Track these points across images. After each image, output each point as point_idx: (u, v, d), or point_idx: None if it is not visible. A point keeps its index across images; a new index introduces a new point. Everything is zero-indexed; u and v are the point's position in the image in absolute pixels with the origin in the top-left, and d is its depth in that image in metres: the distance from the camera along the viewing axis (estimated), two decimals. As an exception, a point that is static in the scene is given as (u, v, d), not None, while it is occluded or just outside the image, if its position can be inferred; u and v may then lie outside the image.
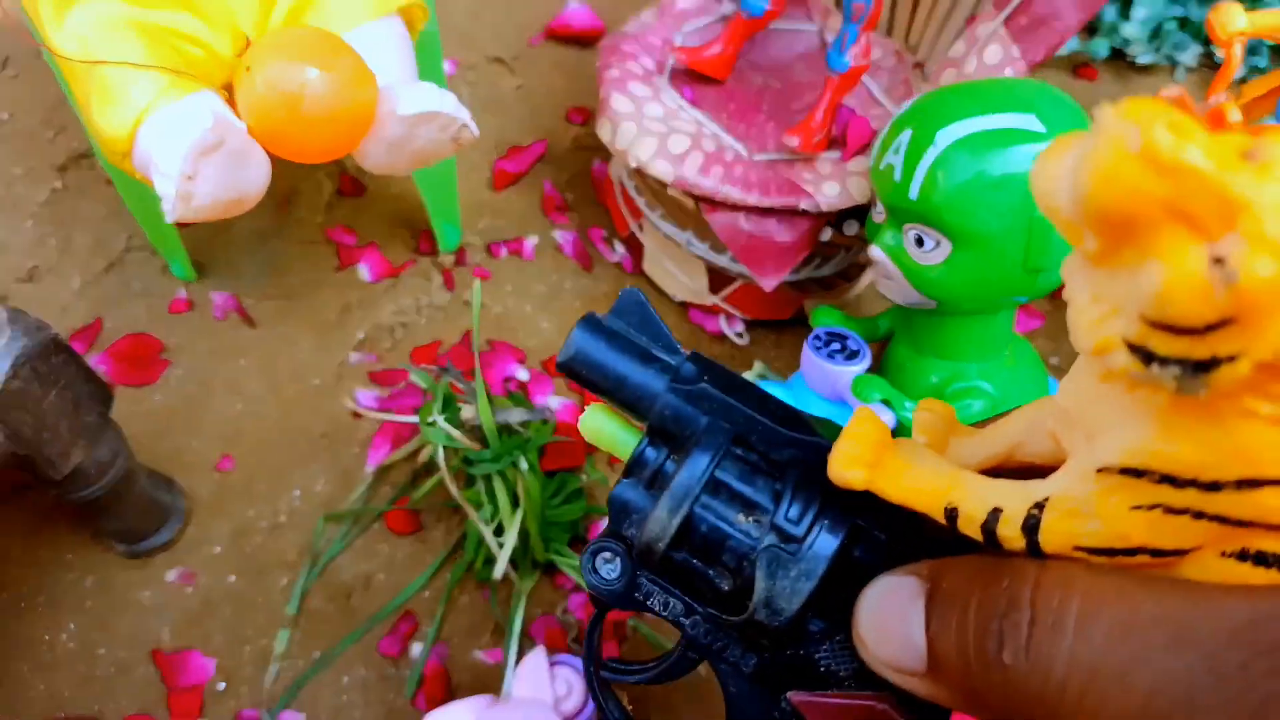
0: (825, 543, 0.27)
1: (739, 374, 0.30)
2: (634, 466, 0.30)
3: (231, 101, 0.60)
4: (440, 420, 0.60)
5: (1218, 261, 0.16)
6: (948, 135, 0.53)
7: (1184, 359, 0.17)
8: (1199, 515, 0.21)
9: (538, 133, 0.96)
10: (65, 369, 0.55)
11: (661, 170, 0.69)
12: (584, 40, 1.01)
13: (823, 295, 0.79)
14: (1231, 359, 0.17)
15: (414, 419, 0.69)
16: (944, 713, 0.26)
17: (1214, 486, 0.20)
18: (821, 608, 0.28)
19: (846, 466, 0.25)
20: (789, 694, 0.29)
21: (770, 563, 0.27)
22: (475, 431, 0.64)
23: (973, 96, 0.55)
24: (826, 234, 0.70)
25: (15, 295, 0.85)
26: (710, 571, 0.29)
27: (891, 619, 0.25)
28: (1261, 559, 0.21)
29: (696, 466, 0.28)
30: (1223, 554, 0.22)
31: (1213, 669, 0.19)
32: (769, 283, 0.69)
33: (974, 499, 0.24)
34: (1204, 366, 0.17)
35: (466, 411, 0.62)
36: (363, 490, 0.74)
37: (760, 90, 0.76)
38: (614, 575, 0.30)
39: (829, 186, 0.67)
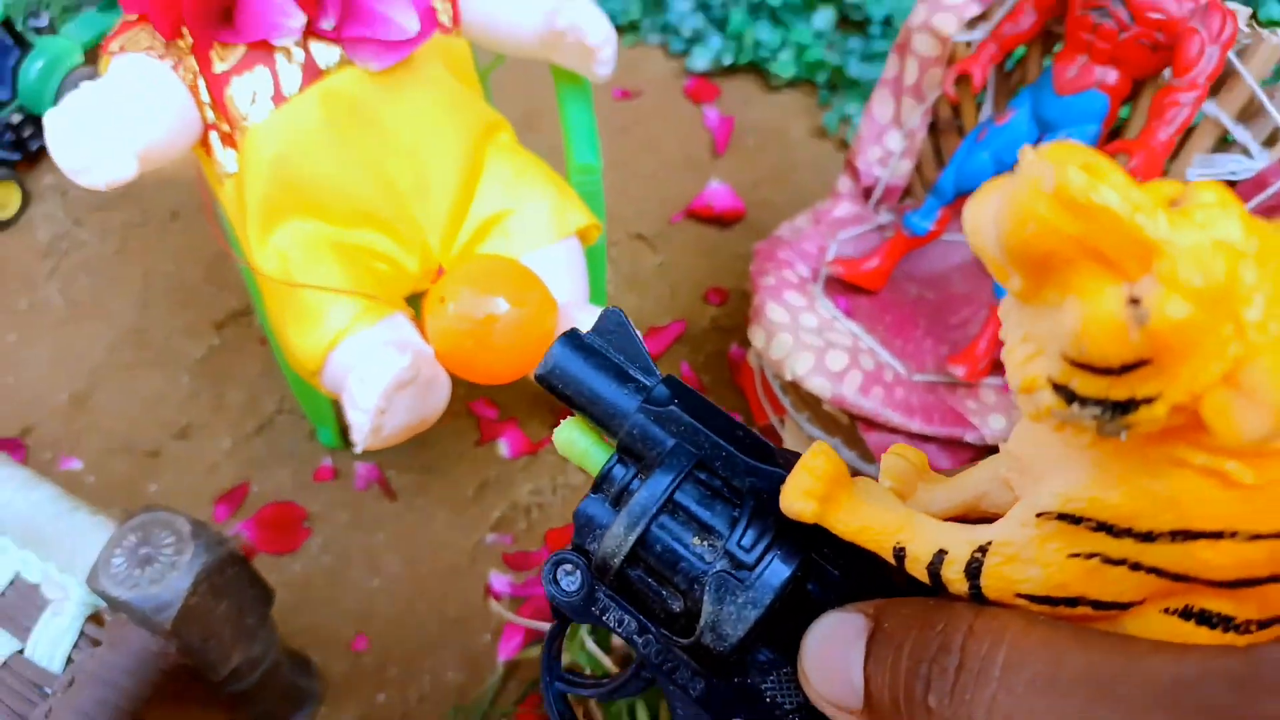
0: (775, 572, 0.27)
1: (712, 403, 0.30)
2: (601, 482, 0.30)
3: (415, 318, 0.61)
4: (589, 642, 0.60)
5: (1134, 302, 0.16)
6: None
7: (1103, 400, 0.17)
8: (1136, 567, 0.20)
9: (676, 312, 0.97)
10: (238, 579, 0.56)
11: (819, 387, 0.68)
12: (725, 221, 1.02)
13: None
14: (1149, 400, 0.17)
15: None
16: None
17: (1149, 537, 0.20)
18: (770, 638, 0.28)
19: (797, 499, 0.25)
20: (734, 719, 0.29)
21: (719, 587, 0.27)
22: (621, 653, 0.63)
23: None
24: (986, 461, 0.68)
25: (168, 451, 0.88)
26: (663, 591, 0.28)
27: (834, 656, 0.25)
28: (1205, 618, 0.21)
29: (656, 486, 0.28)
30: (1165, 610, 0.21)
31: None
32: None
33: (922, 540, 0.24)
34: (1123, 408, 0.17)
35: (617, 638, 0.61)
36: (493, 683, 0.74)
37: (916, 302, 0.76)
38: (574, 588, 0.30)
39: (994, 419, 0.65)
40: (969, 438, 0.65)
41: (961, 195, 0.70)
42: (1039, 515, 0.21)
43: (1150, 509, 0.19)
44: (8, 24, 1.03)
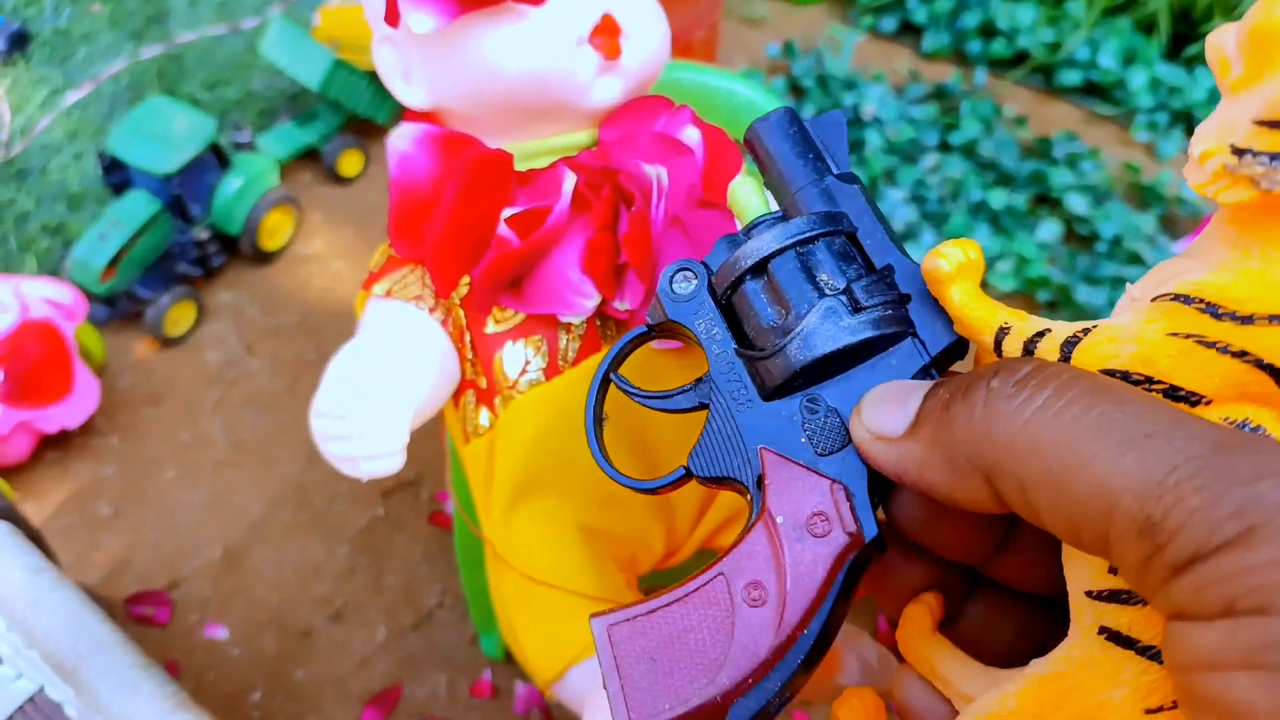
0: (881, 323, 0.29)
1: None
2: (749, 228, 0.33)
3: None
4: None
5: None
6: None
7: (1274, 152, 0.21)
8: (1225, 350, 0.22)
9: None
10: None
11: None
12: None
13: None
14: None
15: None
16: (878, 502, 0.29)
17: (1248, 320, 0.22)
18: (836, 374, 0.30)
19: (942, 257, 0.27)
20: (760, 445, 0.31)
21: (829, 310, 0.30)
22: None
23: None
24: None
25: (319, 633, 0.82)
26: (768, 308, 0.31)
27: (897, 391, 0.27)
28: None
29: (808, 223, 0.31)
30: (1226, 420, 0.23)
31: (1175, 468, 0.20)
32: None
33: (1030, 323, 0.26)
34: None
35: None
36: None
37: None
38: (685, 291, 0.33)
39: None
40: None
41: None
42: (1154, 299, 0.24)
43: (1258, 294, 0.22)
44: (216, 146, 1.00)
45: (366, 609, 0.84)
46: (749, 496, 0.32)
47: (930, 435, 0.25)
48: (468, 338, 0.54)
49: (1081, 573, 0.25)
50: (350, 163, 1.17)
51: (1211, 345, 0.23)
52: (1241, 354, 0.22)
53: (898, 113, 1.19)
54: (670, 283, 0.34)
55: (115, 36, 1.37)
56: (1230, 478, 0.20)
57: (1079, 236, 1.10)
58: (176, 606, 0.84)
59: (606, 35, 0.49)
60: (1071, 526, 0.22)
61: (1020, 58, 1.31)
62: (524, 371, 0.53)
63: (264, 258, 1.09)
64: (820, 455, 0.30)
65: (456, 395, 0.56)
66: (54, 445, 0.93)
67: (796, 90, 1.26)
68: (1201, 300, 0.23)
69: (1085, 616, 0.25)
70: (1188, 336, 0.23)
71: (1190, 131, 1.25)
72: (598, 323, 0.54)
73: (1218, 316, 0.22)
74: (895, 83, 1.29)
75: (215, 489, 0.91)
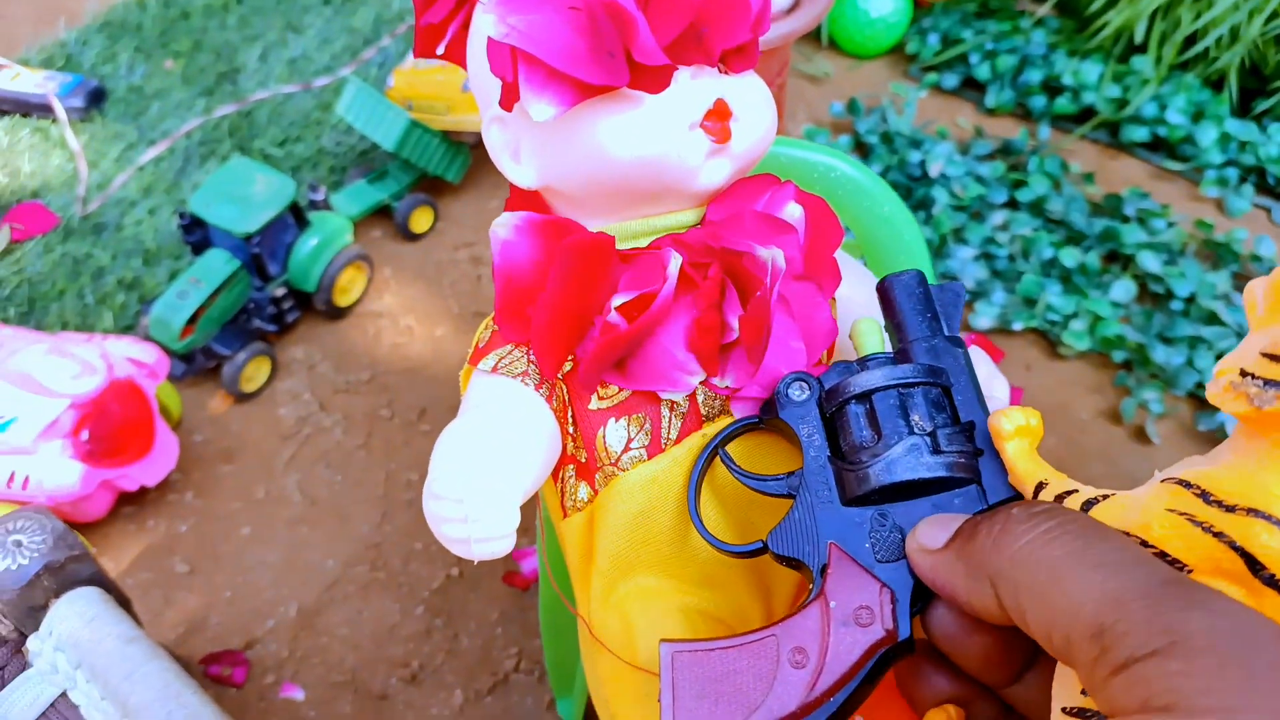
0: (954, 467, 0.35)
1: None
2: (863, 361, 0.40)
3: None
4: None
5: None
6: None
7: (1271, 380, 0.26)
8: (1208, 529, 0.27)
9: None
10: None
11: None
12: (1008, 510, 0.93)
13: None
14: None
15: None
16: (918, 610, 0.35)
17: (1231, 509, 0.27)
18: (906, 499, 0.36)
19: (1009, 420, 0.34)
20: (831, 540, 0.37)
21: (913, 446, 0.36)
22: None
23: None
24: None
25: (396, 696, 0.82)
26: (864, 431, 0.37)
27: (942, 520, 0.34)
28: None
29: (913, 370, 0.38)
30: None
31: (1129, 590, 0.25)
32: None
33: (1063, 482, 0.32)
34: (1278, 386, 0.26)
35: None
36: None
37: None
38: (799, 398, 0.41)
39: None
40: None
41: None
42: (1163, 480, 0.29)
43: (1242, 488, 0.26)
44: (295, 205, 1.02)
45: (442, 672, 0.83)
46: (811, 578, 0.38)
47: (959, 548, 0.31)
48: (570, 413, 0.54)
49: (1062, 691, 0.30)
50: (421, 220, 1.18)
51: (1198, 524, 0.27)
52: (1220, 535, 0.26)
53: (964, 169, 1.19)
54: (787, 389, 0.41)
55: (188, 93, 1.41)
56: (1169, 603, 0.25)
57: (1153, 295, 1.09)
58: (252, 667, 0.84)
59: (719, 119, 0.50)
60: (1046, 630, 0.27)
61: (1085, 114, 1.31)
62: (627, 449, 0.52)
63: (336, 314, 1.10)
64: (878, 561, 0.36)
65: (556, 469, 0.56)
66: (129, 501, 0.94)
67: (861, 148, 1.26)
68: (1198, 487, 0.27)
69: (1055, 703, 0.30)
70: (1181, 514, 0.27)
71: (1261, 188, 1.23)
72: (700, 399, 0.54)
73: (1208, 501, 0.27)
74: (960, 139, 1.29)
75: (290, 547, 0.92)
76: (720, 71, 0.50)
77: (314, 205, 1.09)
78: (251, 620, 0.87)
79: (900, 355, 0.40)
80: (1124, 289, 1.06)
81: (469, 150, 1.23)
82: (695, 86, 0.48)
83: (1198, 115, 1.25)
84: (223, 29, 1.54)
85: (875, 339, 0.42)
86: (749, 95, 0.51)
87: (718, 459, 0.41)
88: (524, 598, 0.87)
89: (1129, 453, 0.98)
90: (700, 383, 0.52)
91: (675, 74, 0.48)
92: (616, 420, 0.52)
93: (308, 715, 0.81)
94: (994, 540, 0.30)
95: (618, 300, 0.50)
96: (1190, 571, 0.27)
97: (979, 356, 0.56)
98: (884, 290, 0.42)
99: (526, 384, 0.52)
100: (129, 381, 0.87)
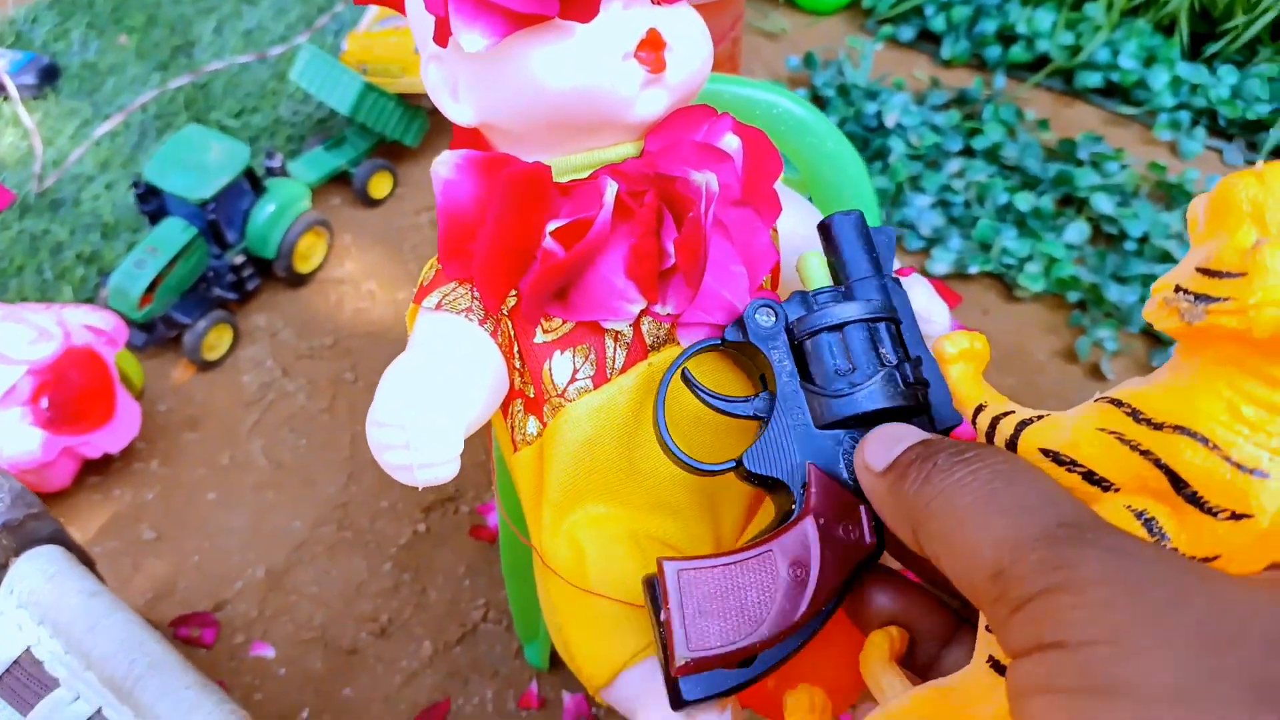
0: (917, 398, 0.39)
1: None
2: (813, 294, 0.42)
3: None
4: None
5: (1255, 244, 0.24)
6: None
7: (1202, 294, 0.25)
8: (1135, 448, 0.27)
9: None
10: None
11: None
12: (967, 449, 0.94)
13: None
14: (1227, 300, 0.24)
15: None
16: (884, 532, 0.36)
17: (1159, 426, 0.26)
18: (874, 424, 0.38)
19: (954, 344, 0.35)
20: (809, 460, 0.39)
21: (889, 377, 0.39)
22: None
23: None
24: None
25: (366, 650, 0.82)
26: (836, 361, 0.40)
27: (888, 438, 0.34)
28: (1149, 525, 0.27)
29: (881, 307, 0.41)
30: (1128, 506, 0.27)
31: (1026, 533, 0.26)
32: None
33: (1000, 405, 0.33)
34: (1210, 300, 0.25)
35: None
36: None
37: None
38: (767, 324, 0.42)
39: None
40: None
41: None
42: (1097, 399, 0.29)
43: (1171, 405, 0.26)
44: (250, 171, 1.01)
45: (411, 625, 0.84)
46: (791, 497, 0.40)
47: (892, 483, 0.32)
48: (516, 348, 0.55)
49: (983, 644, 0.31)
50: (380, 185, 1.18)
51: (1126, 443, 0.27)
52: (1147, 453, 0.26)
53: (920, 119, 1.19)
54: (754, 313, 0.42)
55: (142, 68, 1.40)
56: (1063, 543, 0.25)
57: (1107, 236, 1.10)
58: (222, 628, 0.84)
59: (652, 49, 0.50)
60: (955, 573, 0.28)
61: (1040, 62, 1.32)
62: (573, 380, 0.53)
63: (297, 280, 1.10)
64: (851, 479, 0.39)
65: (505, 405, 0.56)
66: (95, 471, 0.94)
67: (818, 101, 1.27)
68: (1129, 405, 0.27)
69: (982, 648, 0.31)
70: (1111, 433, 0.27)
71: (1213, 130, 1.25)
72: (645, 329, 0.54)
73: (1137, 420, 0.27)
74: (916, 90, 1.30)
75: (256, 510, 0.92)
76: (653, 2, 0.50)
77: (271, 173, 1.09)
78: (220, 583, 0.87)
79: (846, 292, 0.42)
80: (1078, 231, 1.07)
81: (426, 114, 1.22)
82: (627, 17, 0.49)
83: (1149, 60, 1.26)
84: (176, 3, 1.52)
85: (822, 274, 0.43)
86: (683, 25, 0.52)
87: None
88: (491, 550, 0.88)
89: (1085, 390, 0.99)
90: (642, 312, 0.53)
91: (606, 4, 0.48)
92: (562, 352, 0.53)
93: (278, 672, 0.82)
94: (917, 488, 0.30)
95: (553, 225, 0.50)
96: (1118, 490, 0.28)
97: (918, 281, 0.57)
98: (827, 228, 0.44)
99: (470, 319, 0.53)
100: (87, 349, 0.87)
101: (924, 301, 0.57)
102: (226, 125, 1.28)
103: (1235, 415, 0.25)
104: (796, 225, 0.57)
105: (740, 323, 0.43)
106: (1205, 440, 0.25)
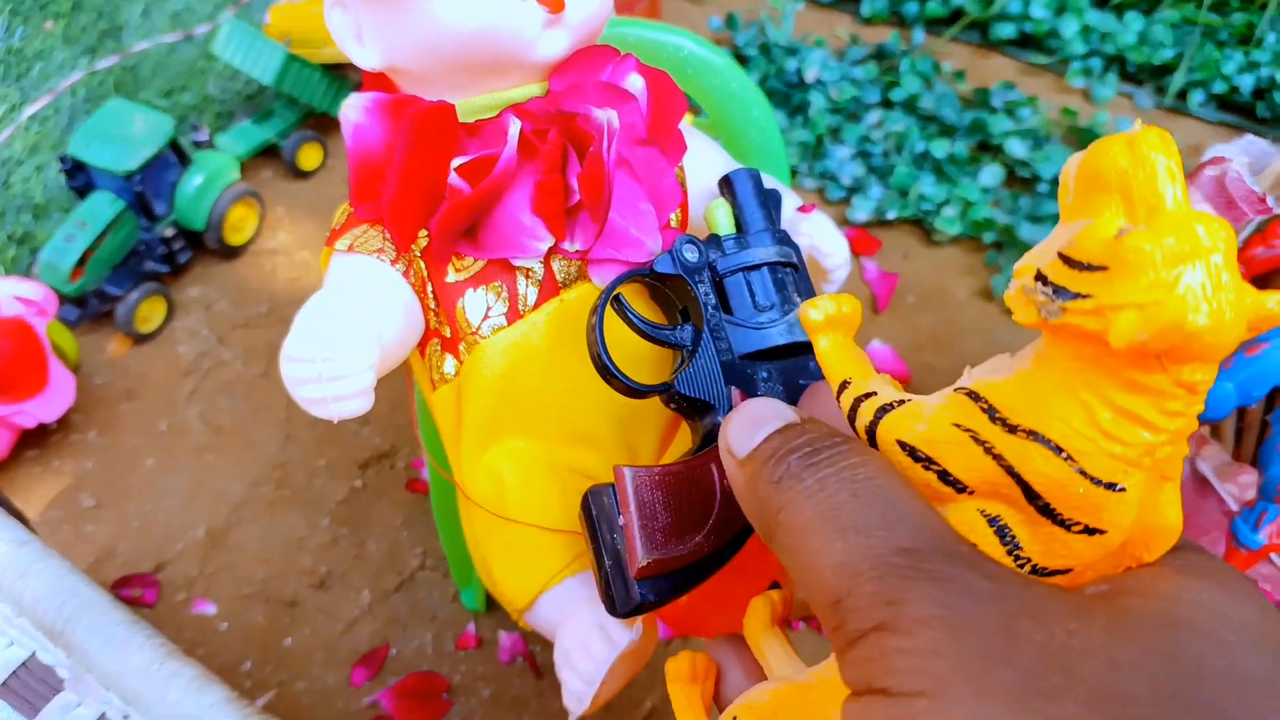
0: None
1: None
2: (718, 240, 0.46)
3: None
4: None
5: (1119, 233, 0.21)
6: None
7: (1061, 287, 0.22)
8: (989, 450, 0.24)
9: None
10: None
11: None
12: (888, 386, 0.97)
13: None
14: (1086, 297, 0.21)
15: None
16: None
17: (1013, 429, 0.24)
18: (785, 357, 0.45)
19: (816, 310, 0.31)
20: (733, 385, 0.44)
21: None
22: None
23: None
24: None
25: (306, 601, 0.84)
26: (758, 295, 0.45)
27: (752, 420, 0.31)
28: (1002, 533, 0.25)
29: (794, 252, 0.47)
30: (981, 511, 0.25)
31: (864, 558, 0.24)
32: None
33: (866, 382, 0.29)
34: (1068, 295, 0.22)
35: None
36: None
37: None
38: (693, 260, 0.45)
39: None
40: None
41: (1203, 422, 0.65)
42: (955, 389, 0.26)
43: (1025, 406, 0.24)
44: (175, 143, 1.02)
45: (350, 576, 0.86)
46: (718, 420, 0.44)
47: (749, 477, 0.29)
48: (430, 288, 0.56)
49: None
50: (309, 156, 1.19)
51: (981, 443, 0.24)
52: (999, 458, 0.24)
53: (840, 74, 1.22)
54: (681, 248, 0.46)
55: (70, 52, 1.39)
56: (896, 573, 0.23)
57: (1020, 179, 1.14)
58: (164, 587, 0.86)
59: (551, -11, 0.51)
60: (802, 593, 0.26)
61: (955, 16, 1.35)
62: (486, 317, 0.55)
63: (230, 252, 1.11)
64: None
65: (422, 345, 0.58)
66: (33, 444, 0.95)
67: (740, 59, 1.29)
68: (985, 401, 0.25)
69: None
70: (966, 430, 0.25)
71: (1123, 75, 1.29)
72: (555, 267, 0.56)
73: (993, 419, 0.24)
74: (836, 47, 1.33)
75: (196, 474, 0.93)
76: (551, -56, 0.52)
77: (198, 146, 1.09)
78: (161, 545, 0.88)
79: (744, 241, 0.46)
80: (992, 174, 1.10)
81: (353, 85, 1.23)
82: (525, -42, 0.51)
83: (1060, 9, 1.30)
84: (103, -13, 1.52)
85: (729, 222, 0.48)
86: (583, -34, 0.54)
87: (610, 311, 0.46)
88: (426, 503, 0.90)
89: (1002, 326, 1.03)
90: (551, 250, 0.55)
91: (507, -54, 0.50)
92: (474, 290, 0.55)
93: (220, 627, 0.83)
94: (766, 492, 0.28)
95: (458, 162, 0.52)
96: (971, 493, 0.25)
97: (819, 216, 0.59)
98: (729, 181, 0.48)
99: (382, 260, 0.55)
100: (17, 320, 0.88)
101: (825, 235, 0.60)
102: (156, 104, 1.29)
103: (1092, 422, 0.23)
104: (704, 165, 0.60)
105: (671, 255, 0.46)
106: (1059, 450, 0.23)
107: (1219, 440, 0.74)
